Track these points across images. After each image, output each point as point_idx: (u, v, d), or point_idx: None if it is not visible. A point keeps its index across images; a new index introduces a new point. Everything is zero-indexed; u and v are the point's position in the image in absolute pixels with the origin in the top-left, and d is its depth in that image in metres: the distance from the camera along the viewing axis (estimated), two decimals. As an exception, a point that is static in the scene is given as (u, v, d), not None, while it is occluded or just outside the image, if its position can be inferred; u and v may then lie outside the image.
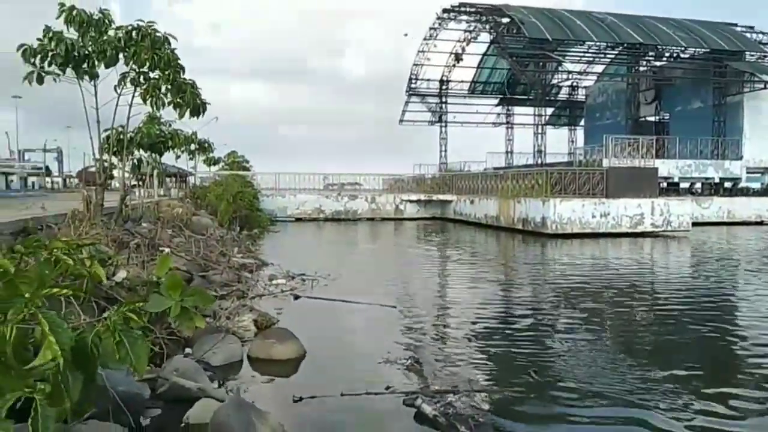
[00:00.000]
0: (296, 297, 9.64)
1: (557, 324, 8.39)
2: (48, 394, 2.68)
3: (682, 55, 38.34)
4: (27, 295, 2.74)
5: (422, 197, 35.39)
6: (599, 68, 44.49)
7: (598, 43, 37.06)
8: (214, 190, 23.63)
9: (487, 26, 42.47)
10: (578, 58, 41.23)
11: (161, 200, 19.58)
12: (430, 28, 44.89)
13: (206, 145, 27.80)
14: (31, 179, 63.63)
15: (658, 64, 40.01)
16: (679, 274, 14.52)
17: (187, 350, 5.99)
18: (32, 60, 9.55)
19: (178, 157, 23.10)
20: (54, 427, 2.55)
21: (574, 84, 52.11)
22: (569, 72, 42.45)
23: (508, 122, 54.03)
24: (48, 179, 67.57)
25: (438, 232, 26.73)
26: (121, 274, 5.77)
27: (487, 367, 6.21)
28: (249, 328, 6.98)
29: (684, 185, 34.23)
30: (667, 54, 38.42)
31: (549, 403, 5.18)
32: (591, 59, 42.24)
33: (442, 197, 34.89)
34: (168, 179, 30.78)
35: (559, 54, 37.43)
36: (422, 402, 4.78)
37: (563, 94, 53.82)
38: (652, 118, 42.97)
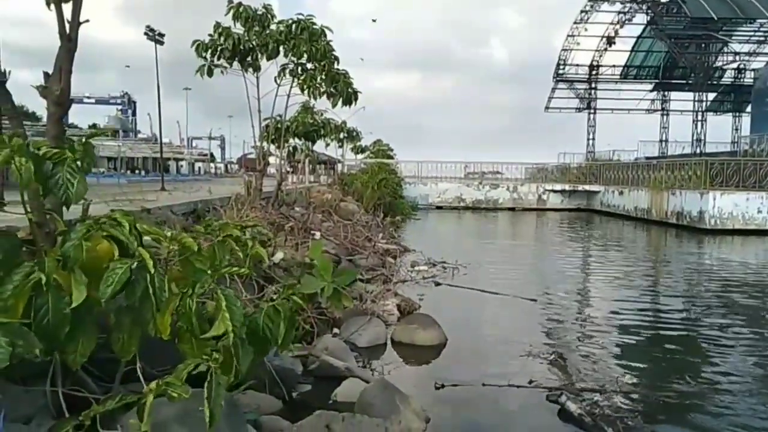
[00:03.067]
0: (437, 284, 9.65)
1: (713, 328, 7.45)
2: (220, 364, 2.90)
3: None
4: (209, 273, 2.97)
5: (567, 187, 33.61)
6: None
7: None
8: (360, 177, 24.50)
9: (644, 6, 39.09)
10: (747, 38, 36.27)
11: (312, 186, 20.76)
12: (581, 11, 42.37)
13: (354, 133, 28.93)
14: (197, 165, 70.81)
15: None
16: None
17: (335, 330, 6.24)
18: (204, 54, 10.55)
19: (327, 145, 24.30)
20: (222, 393, 2.76)
21: (741, 66, 45.76)
22: (736, 53, 37.47)
23: (663, 109, 49.36)
24: (212, 165, 74.61)
25: (583, 224, 25.22)
26: (279, 255, 6.16)
27: (634, 368, 5.72)
28: (393, 312, 7.10)
29: None
30: None
31: (703, 411, 4.63)
32: (762, 38, 36.85)
33: (588, 187, 32.83)
34: (317, 166, 32.60)
35: (725, 34, 33.35)
36: (567, 399, 4.51)
37: (727, 78, 47.47)
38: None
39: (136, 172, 46.54)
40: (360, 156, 37.29)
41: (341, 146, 30.58)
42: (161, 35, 22.34)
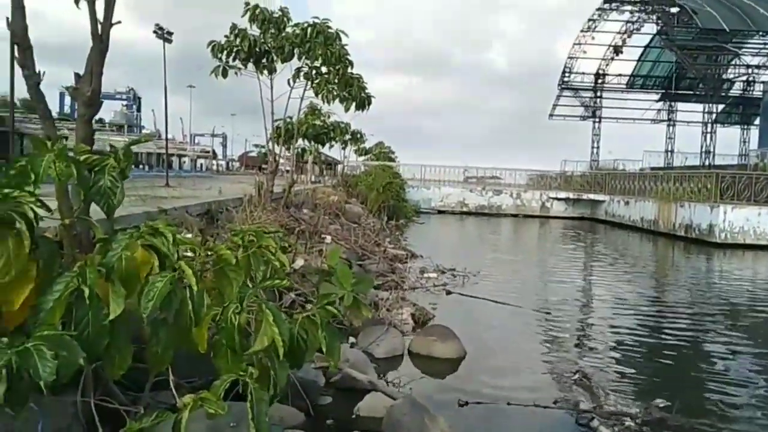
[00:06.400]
0: (448, 292, 9.58)
1: (738, 348, 7.37)
2: (255, 379, 2.83)
3: None
4: (250, 286, 2.91)
5: (571, 195, 33.59)
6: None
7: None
8: (364, 179, 24.45)
9: (654, 16, 39.09)
10: (757, 50, 36.25)
11: (317, 187, 20.69)
12: (589, 20, 42.44)
13: (358, 135, 28.90)
14: (200, 161, 70.81)
15: None
16: None
17: (352, 340, 6.17)
18: (219, 55, 10.49)
19: (331, 146, 24.27)
20: (266, 409, 2.69)
21: (751, 78, 45.76)
22: (747, 66, 37.48)
23: (669, 119, 49.37)
24: (214, 162, 74.64)
25: (587, 234, 25.16)
26: (299, 262, 6.09)
27: (662, 390, 5.60)
28: (407, 322, 7.03)
29: None
30: None
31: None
32: (774, 51, 36.92)
33: (592, 196, 32.80)
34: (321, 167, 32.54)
35: (735, 45, 33.25)
36: (599, 424, 4.43)
37: (736, 90, 47.44)
38: None
39: (140, 167, 46.48)
40: (362, 158, 37.23)
41: (344, 148, 30.55)
42: (170, 33, 22.30)
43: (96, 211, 3.04)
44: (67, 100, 60.93)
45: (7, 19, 3.26)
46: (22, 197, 2.35)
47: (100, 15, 3.62)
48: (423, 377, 5.61)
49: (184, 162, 64.04)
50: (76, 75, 3.75)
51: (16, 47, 3.35)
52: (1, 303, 2.48)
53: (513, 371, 6.03)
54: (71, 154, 2.75)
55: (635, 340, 7.55)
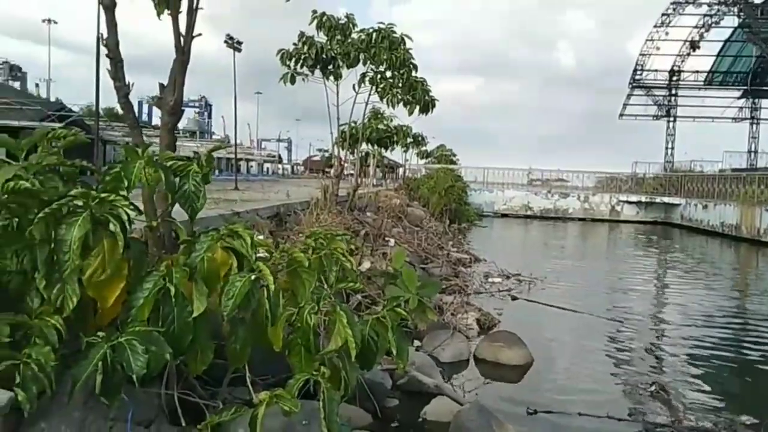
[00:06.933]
0: (514, 298, 9.41)
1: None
2: (327, 378, 2.90)
3: None
4: (326, 288, 2.99)
5: (643, 198, 32.13)
6: None
7: None
8: (426, 182, 24.42)
9: (735, 8, 36.77)
10: None
11: (379, 190, 20.85)
12: (663, 14, 40.50)
13: (420, 138, 28.90)
14: (266, 165, 72.92)
15: None
16: None
17: (417, 343, 6.18)
18: (288, 62, 10.80)
19: (392, 150, 24.40)
20: (337, 409, 2.75)
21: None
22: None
23: (752, 117, 46.27)
24: (279, 166, 76.75)
25: (661, 239, 24.00)
26: (366, 265, 6.18)
27: (744, 406, 5.27)
28: (472, 327, 6.97)
29: None
30: None
31: None
32: None
33: (667, 199, 31.26)
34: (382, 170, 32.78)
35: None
36: (679, 440, 4.23)
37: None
38: None
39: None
40: (422, 161, 37.17)
41: (406, 151, 30.60)
42: (239, 43, 23.20)
43: (175, 213, 3.22)
44: (145, 108, 64.49)
45: (103, 35, 3.50)
46: (116, 201, 2.52)
47: (182, 28, 3.84)
48: (489, 383, 5.54)
49: (251, 166, 66.14)
50: (161, 85, 3.96)
51: (109, 61, 3.60)
52: (97, 299, 2.67)
53: (583, 381, 5.84)
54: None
55: (716, 353, 7.12)
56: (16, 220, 2.60)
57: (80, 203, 2.51)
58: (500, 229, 25.90)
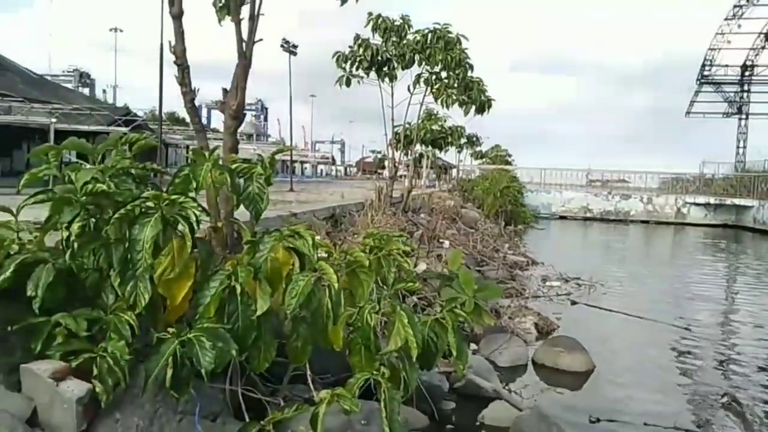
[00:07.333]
0: (573, 302, 9.14)
1: None
2: (387, 378, 2.90)
3: None
4: (385, 288, 3.00)
5: (711, 200, 30.54)
6: None
7: None
8: (481, 184, 24.13)
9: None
10: None
11: (432, 192, 20.77)
12: (735, 6, 38.48)
13: (474, 138, 28.60)
14: (320, 167, 73.92)
15: None
16: None
17: (473, 346, 6.10)
18: (343, 65, 10.92)
19: (446, 151, 24.24)
20: (398, 409, 2.75)
21: None
22: None
23: (837, 113, 43.16)
24: (333, 167, 77.68)
25: (732, 243, 22.73)
26: (422, 266, 6.16)
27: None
28: (530, 331, 6.82)
29: None
30: None
31: None
32: None
33: (738, 201, 29.60)
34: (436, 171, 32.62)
35: None
36: (754, 456, 3.98)
37: None
38: None
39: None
40: (477, 161, 36.72)
41: (460, 151, 30.31)
42: (294, 47, 23.63)
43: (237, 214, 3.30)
44: (204, 112, 66.79)
45: (170, 42, 3.64)
46: (185, 202, 2.61)
47: (244, 34, 3.94)
48: (549, 389, 5.40)
49: (306, 168, 67.23)
50: (224, 90, 4.09)
51: (176, 68, 3.74)
52: (166, 297, 2.78)
53: (648, 389, 5.59)
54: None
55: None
56: (93, 220, 2.75)
57: (152, 204, 2.62)
58: (558, 232, 25.25)
